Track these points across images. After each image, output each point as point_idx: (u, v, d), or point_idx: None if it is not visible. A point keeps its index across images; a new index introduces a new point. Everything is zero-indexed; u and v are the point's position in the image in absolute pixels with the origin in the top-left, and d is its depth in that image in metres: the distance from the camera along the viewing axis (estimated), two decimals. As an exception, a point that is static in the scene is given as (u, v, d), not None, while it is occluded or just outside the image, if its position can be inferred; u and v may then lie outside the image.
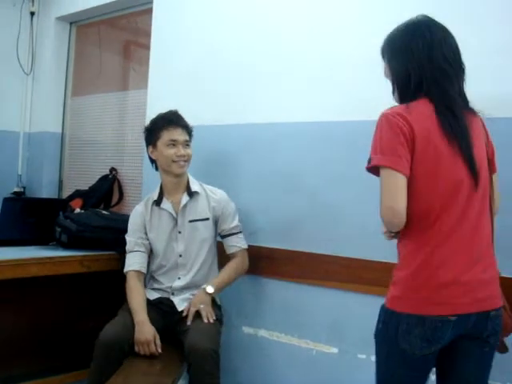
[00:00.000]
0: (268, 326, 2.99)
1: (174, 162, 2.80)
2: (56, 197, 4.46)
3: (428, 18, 1.88)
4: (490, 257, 1.87)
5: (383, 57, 1.95)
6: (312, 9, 2.89)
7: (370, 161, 1.81)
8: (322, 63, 2.80)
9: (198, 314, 2.71)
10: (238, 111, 3.14)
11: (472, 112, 1.87)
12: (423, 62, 1.81)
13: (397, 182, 1.74)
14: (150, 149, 2.89)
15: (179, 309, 2.80)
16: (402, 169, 1.73)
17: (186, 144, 2.85)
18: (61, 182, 4.54)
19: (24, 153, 4.59)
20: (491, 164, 1.93)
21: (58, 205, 3.84)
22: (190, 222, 2.87)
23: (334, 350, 2.72)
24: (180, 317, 2.76)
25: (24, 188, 4.47)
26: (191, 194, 2.88)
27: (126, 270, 2.87)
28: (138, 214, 2.95)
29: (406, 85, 1.86)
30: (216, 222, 2.92)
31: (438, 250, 1.76)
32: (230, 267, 2.88)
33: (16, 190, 4.47)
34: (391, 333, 1.79)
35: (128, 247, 2.91)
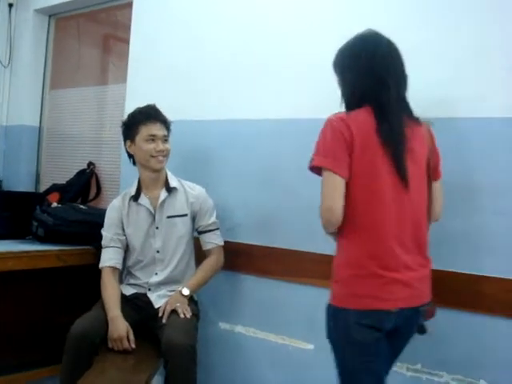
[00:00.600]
0: (245, 322, 3.00)
1: (152, 157, 2.78)
2: (33, 190, 4.43)
3: (374, 32, 2.03)
4: (424, 256, 2.04)
5: (334, 69, 2.11)
6: (296, 5, 2.89)
7: (311, 161, 1.97)
8: (302, 62, 2.80)
9: (174, 310, 2.70)
10: (218, 107, 3.14)
11: (415, 120, 2.03)
12: (365, 75, 1.97)
13: (335, 184, 1.90)
14: (128, 143, 2.86)
15: (156, 306, 2.79)
16: (341, 171, 1.90)
17: (165, 139, 2.83)
18: (38, 175, 4.51)
19: (1, 146, 4.55)
20: (435, 171, 2.10)
21: (35, 199, 3.81)
22: (168, 217, 2.86)
23: (311, 347, 2.74)
24: (156, 312, 2.75)
25: (0, 181, 4.42)
26: (169, 190, 2.87)
27: (101, 265, 2.85)
28: (114, 209, 2.93)
29: (351, 95, 2.03)
30: (194, 218, 2.91)
31: (376, 249, 1.92)
32: (207, 266, 2.88)
33: (-8, 183, 4.42)
34: (342, 327, 1.94)
35: (104, 242, 2.89)
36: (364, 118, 1.94)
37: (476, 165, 2.32)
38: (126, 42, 3.70)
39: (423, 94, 2.34)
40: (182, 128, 2.99)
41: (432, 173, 2.08)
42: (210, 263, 2.88)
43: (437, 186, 2.12)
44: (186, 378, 2.49)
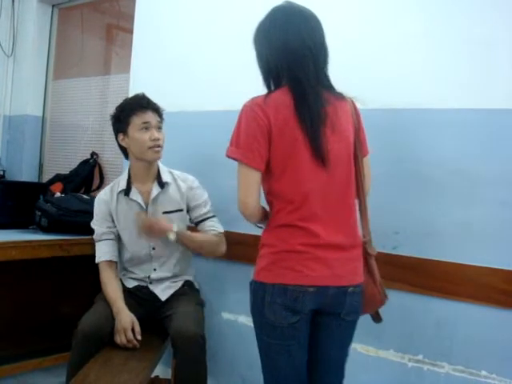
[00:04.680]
0: (248, 312, 2.98)
1: (149, 148, 2.66)
2: (36, 180, 4.45)
3: (290, 4, 1.94)
4: (354, 235, 1.96)
5: (253, 45, 2.01)
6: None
7: (227, 150, 1.89)
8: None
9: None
10: (221, 97, 3.12)
11: (338, 96, 1.93)
12: (279, 49, 1.87)
13: (249, 178, 1.87)
14: (121, 137, 2.72)
15: (163, 299, 2.76)
16: (255, 164, 1.84)
17: (159, 127, 2.72)
18: (41, 165, 4.53)
19: (4, 136, 4.56)
20: (362, 147, 2.02)
21: (38, 188, 3.83)
22: (164, 213, 2.76)
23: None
24: (161, 303, 2.74)
25: (4, 171, 4.43)
26: (162, 185, 2.76)
27: (97, 260, 2.77)
28: (102, 202, 2.81)
29: (268, 72, 1.95)
30: (188, 210, 2.82)
31: (299, 231, 1.85)
32: (209, 236, 2.77)
33: (-4, 173, 4.43)
34: (259, 304, 1.90)
35: (95, 236, 2.81)
36: (283, 99, 1.85)
37: (478, 155, 2.31)
38: (130, 31, 3.69)
39: (423, 84, 2.35)
40: (185, 119, 2.98)
41: (360, 149, 1.99)
42: (213, 238, 2.76)
43: (365, 161, 2.03)
44: (196, 368, 2.48)
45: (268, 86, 1.96)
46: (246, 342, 2.98)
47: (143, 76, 3.51)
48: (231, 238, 2.89)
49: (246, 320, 2.98)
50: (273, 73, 1.92)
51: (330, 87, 1.94)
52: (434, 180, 2.37)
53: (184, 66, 3.30)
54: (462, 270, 2.32)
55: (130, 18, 3.70)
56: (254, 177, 1.86)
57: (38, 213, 3.31)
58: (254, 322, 1.97)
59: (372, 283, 2.01)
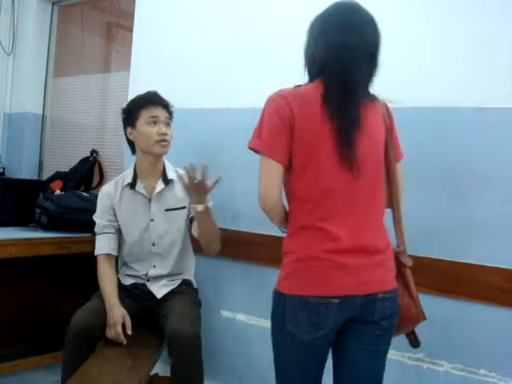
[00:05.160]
0: (246, 310, 3.01)
1: (156, 142, 2.68)
2: (36, 178, 4.44)
3: (354, 3, 1.84)
4: (382, 239, 1.84)
5: (306, 34, 1.91)
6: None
7: (249, 141, 1.84)
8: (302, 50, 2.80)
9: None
10: (222, 95, 3.13)
11: (370, 98, 1.84)
12: (330, 46, 1.78)
13: (270, 171, 1.78)
14: (129, 130, 2.76)
15: (158, 296, 2.76)
16: (277, 157, 1.76)
17: (168, 123, 2.75)
18: (41, 163, 4.52)
19: (4, 133, 4.55)
20: (395, 151, 1.93)
21: (38, 186, 3.84)
22: (167, 210, 2.78)
23: (312, 335, 2.75)
24: (157, 301, 2.74)
25: (4, 169, 4.42)
26: (167, 182, 2.78)
27: (96, 253, 2.79)
28: (106, 196, 2.82)
29: (311, 64, 1.87)
30: (189, 207, 2.80)
31: (320, 234, 1.75)
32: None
33: (-5, 170, 4.43)
34: (280, 315, 1.81)
35: (97, 229, 2.82)
36: (311, 93, 1.78)
37: (481, 154, 2.32)
38: (130, 29, 3.70)
39: (426, 83, 2.35)
40: (185, 116, 2.98)
41: (393, 154, 1.91)
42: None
43: (397, 168, 1.95)
44: (192, 367, 2.48)
45: (309, 75, 1.88)
46: (245, 340, 3.00)
47: (143, 74, 3.51)
48: (230, 236, 2.89)
49: (245, 318, 2.99)
50: (316, 65, 1.82)
51: (366, 90, 1.84)
52: (436, 178, 2.38)
53: (183, 63, 3.30)
54: (463, 269, 2.32)
55: (130, 15, 3.70)
56: (276, 170, 1.78)
57: (38, 210, 3.31)
58: (273, 331, 1.88)
59: (407, 295, 1.90)
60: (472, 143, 2.34)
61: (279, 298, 1.82)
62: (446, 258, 2.35)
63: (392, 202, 1.93)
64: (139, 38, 3.59)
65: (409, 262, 1.92)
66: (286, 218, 1.89)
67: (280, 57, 2.90)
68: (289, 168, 1.80)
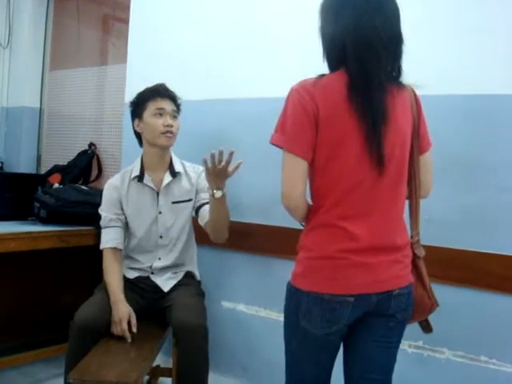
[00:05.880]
0: (247, 301, 3.02)
1: (162, 133, 2.70)
2: (34, 172, 4.43)
3: None
4: (402, 236, 1.80)
5: (318, 16, 1.79)
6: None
7: (271, 136, 1.75)
8: (307, 38, 2.77)
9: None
10: (219, 86, 3.12)
11: (397, 84, 1.75)
12: (348, 31, 1.66)
13: (295, 168, 1.70)
14: (136, 122, 2.79)
15: (165, 290, 2.76)
16: (302, 153, 1.68)
17: (174, 116, 2.77)
18: (39, 157, 4.52)
19: (2, 128, 4.54)
20: (423, 141, 1.85)
21: (37, 180, 3.83)
22: (174, 203, 2.79)
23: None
24: (163, 294, 2.75)
25: (2, 163, 4.42)
26: (174, 175, 2.80)
27: (102, 246, 2.78)
28: (112, 188, 2.83)
29: (331, 51, 1.75)
30: (195, 197, 2.83)
31: (338, 233, 1.71)
32: None
33: (-6, 165, 4.42)
34: (293, 310, 1.77)
35: (103, 223, 2.81)
36: (335, 84, 1.68)
37: (486, 142, 2.32)
38: (126, 22, 3.68)
39: (428, 70, 2.34)
40: (185, 108, 2.97)
41: (420, 143, 1.83)
42: None
43: (426, 157, 1.88)
44: (199, 358, 2.49)
45: (329, 64, 1.77)
46: (246, 330, 3.01)
47: (140, 66, 3.50)
48: (233, 227, 2.87)
49: (245, 308, 3.00)
50: (337, 52, 1.71)
51: (397, 77, 1.75)
52: (434, 166, 2.38)
53: (180, 55, 3.29)
54: (462, 256, 2.33)
55: (126, 8, 3.68)
56: (301, 167, 1.69)
57: (37, 204, 3.31)
58: (286, 324, 1.85)
59: (421, 286, 1.87)
60: (470, 130, 2.34)
61: (294, 293, 1.78)
62: (446, 246, 2.35)
63: (411, 193, 1.86)
64: (135, 30, 3.57)
65: (422, 253, 1.87)
66: (308, 213, 1.82)
67: (280, 46, 2.90)
68: (311, 163, 1.72)
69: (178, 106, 2.82)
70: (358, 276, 1.70)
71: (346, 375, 1.90)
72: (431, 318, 1.97)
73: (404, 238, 1.81)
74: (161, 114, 2.72)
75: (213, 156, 2.28)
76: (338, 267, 1.70)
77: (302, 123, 1.67)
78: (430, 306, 1.90)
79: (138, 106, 2.77)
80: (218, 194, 2.44)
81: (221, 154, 2.28)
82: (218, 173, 2.35)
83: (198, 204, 2.81)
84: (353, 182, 1.69)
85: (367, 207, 1.71)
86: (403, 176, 1.78)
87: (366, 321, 1.79)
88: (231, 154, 2.30)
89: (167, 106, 2.74)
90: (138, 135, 2.84)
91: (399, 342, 1.87)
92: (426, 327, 1.98)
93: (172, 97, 2.79)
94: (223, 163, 2.30)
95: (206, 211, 2.70)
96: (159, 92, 2.75)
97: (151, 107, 2.72)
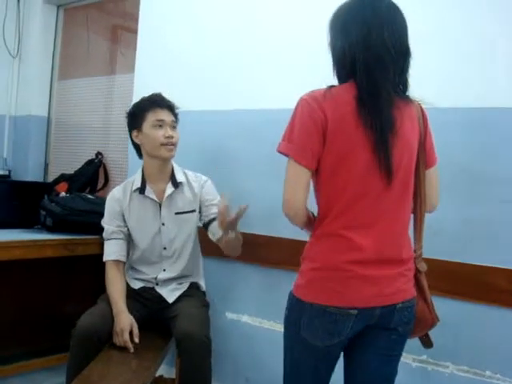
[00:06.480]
0: (251, 312, 3.01)
1: (162, 145, 2.66)
2: (41, 180, 4.45)
3: None
4: (407, 249, 1.80)
5: (328, 31, 1.81)
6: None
7: (279, 144, 1.76)
8: (309, 50, 2.80)
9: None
10: (226, 97, 3.13)
11: (405, 98, 1.76)
12: (358, 45, 1.68)
13: (298, 176, 1.71)
14: (135, 133, 2.74)
15: (170, 301, 2.74)
16: (306, 162, 1.69)
17: (173, 126, 2.73)
18: (46, 165, 4.53)
19: (10, 136, 4.57)
20: (430, 156, 1.86)
21: (44, 188, 3.84)
22: (177, 214, 2.77)
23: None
24: (167, 305, 2.73)
25: (9, 171, 4.45)
26: (176, 185, 2.76)
27: (105, 259, 2.76)
28: (114, 201, 2.81)
29: (341, 64, 1.76)
30: (200, 210, 2.81)
31: (343, 244, 1.71)
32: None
33: (1, 173, 4.44)
34: (294, 321, 1.77)
35: (105, 235, 2.80)
36: (345, 96, 1.69)
37: (490, 154, 2.32)
38: (135, 32, 3.70)
39: (434, 83, 2.34)
40: (190, 118, 2.98)
41: (427, 157, 1.84)
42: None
43: (432, 172, 1.88)
44: (201, 369, 2.47)
45: (338, 77, 1.79)
46: (250, 341, 3.00)
47: (148, 76, 3.52)
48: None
49: (250, 319, 2.99)
50: (347, 66, 1.72)
51: (404, 91, 1.77)
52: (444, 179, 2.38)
53: (188, 65, 3.31)
54: (466, 269, 2.31)
55: (135, 18, 3.71)
56: (304, 176, 1.71)
57: (43, 212, 3.32)
58: (286, 334, 1.84)
59: (422, 301, 1.86)
60: (473, 143, 2.34)
61: (296, 303, 1.77)
62: (450, 260, 2.35)
63: (416, 207, 1.86)
64: (144, 40, 3.60)
65: (424, 268, 1.86)
66: (308, 221, 1.82)
67: (282, 59, 2.92)
68: (316, 172, 1.74)
69: (176, 115, 2.78)
70: (363, 289, 1.70)
71: None
72: (434, 332, 1.96)
73: (408, 252, 1.81)
74: (161, 126, 2.68)
75: (225, 210, 2.14)
76: (342, 279, 1.70)
77: (309, 133, 1.68)
78: (431, 320, 1.90)
79: (137, 116, 2.73)
80: (232, 234, 2.35)
81: (243, 209, 2.15)
82: (231, 222, 2.23)
83: (207, 219, 2.77)
84: (359, 192, 1.70)
85: (373, 218, 1.72)
86: (409, 188, 1.78)
87: (367, 333, 1.78)
88: (243, 209, 2.14)
89: (166, 116, 2.71)
90: (137, 146, 2.80)
91: (400, 354, 1.87)
92: (427, 342, 1.98)
93: (170, 107, 2.75)
94: (234, 216, 2.15)
95: (216, 227, 2.57)
96: (158, 102, 2.72)
97: (150, 118, 2.68)
